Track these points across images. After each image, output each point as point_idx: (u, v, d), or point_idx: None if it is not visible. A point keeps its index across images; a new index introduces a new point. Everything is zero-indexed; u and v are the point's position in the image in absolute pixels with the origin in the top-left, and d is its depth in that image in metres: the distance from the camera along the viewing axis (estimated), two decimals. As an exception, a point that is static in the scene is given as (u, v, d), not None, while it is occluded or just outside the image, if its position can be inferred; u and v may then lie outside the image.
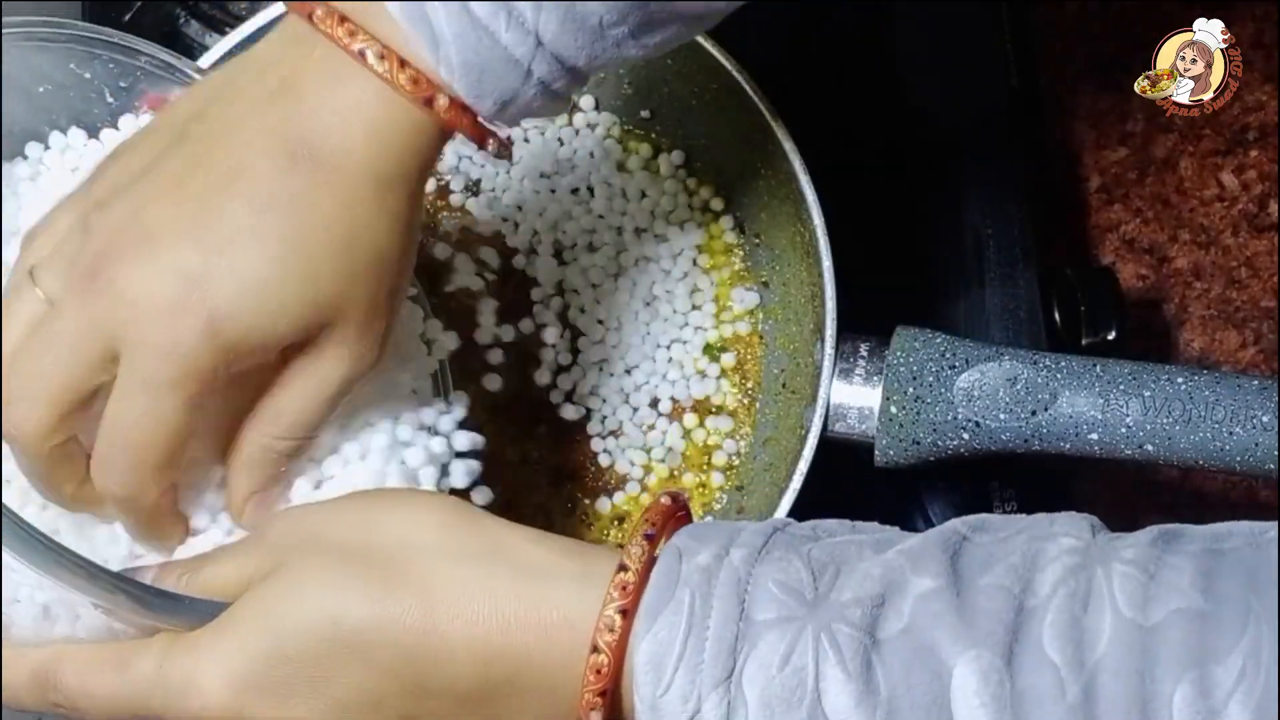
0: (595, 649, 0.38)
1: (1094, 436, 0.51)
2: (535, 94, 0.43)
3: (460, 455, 0.47)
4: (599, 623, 0.38)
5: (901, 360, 0.53)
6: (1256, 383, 0.50)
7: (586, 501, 0.59)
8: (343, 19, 0.41)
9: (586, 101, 0.64)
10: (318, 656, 0.39)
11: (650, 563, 0.39)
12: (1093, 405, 0.51)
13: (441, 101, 0.42)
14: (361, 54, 0.41)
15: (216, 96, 0.43)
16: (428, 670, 0.39)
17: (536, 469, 0.59)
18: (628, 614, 0.38)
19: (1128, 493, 0.78)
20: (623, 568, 0.39)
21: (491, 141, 0.44)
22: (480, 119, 0.43)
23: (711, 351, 0.61)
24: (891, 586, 0.36)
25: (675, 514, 0.41)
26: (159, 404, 0.40)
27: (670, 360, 0.61)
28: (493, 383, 0.58)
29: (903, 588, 0.36)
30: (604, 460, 0.60)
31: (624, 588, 0.38)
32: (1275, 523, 0.36)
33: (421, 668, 0.39)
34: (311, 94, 0.41)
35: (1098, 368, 0.51)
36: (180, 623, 0.40)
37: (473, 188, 0.63)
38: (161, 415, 0.40)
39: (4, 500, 0.38)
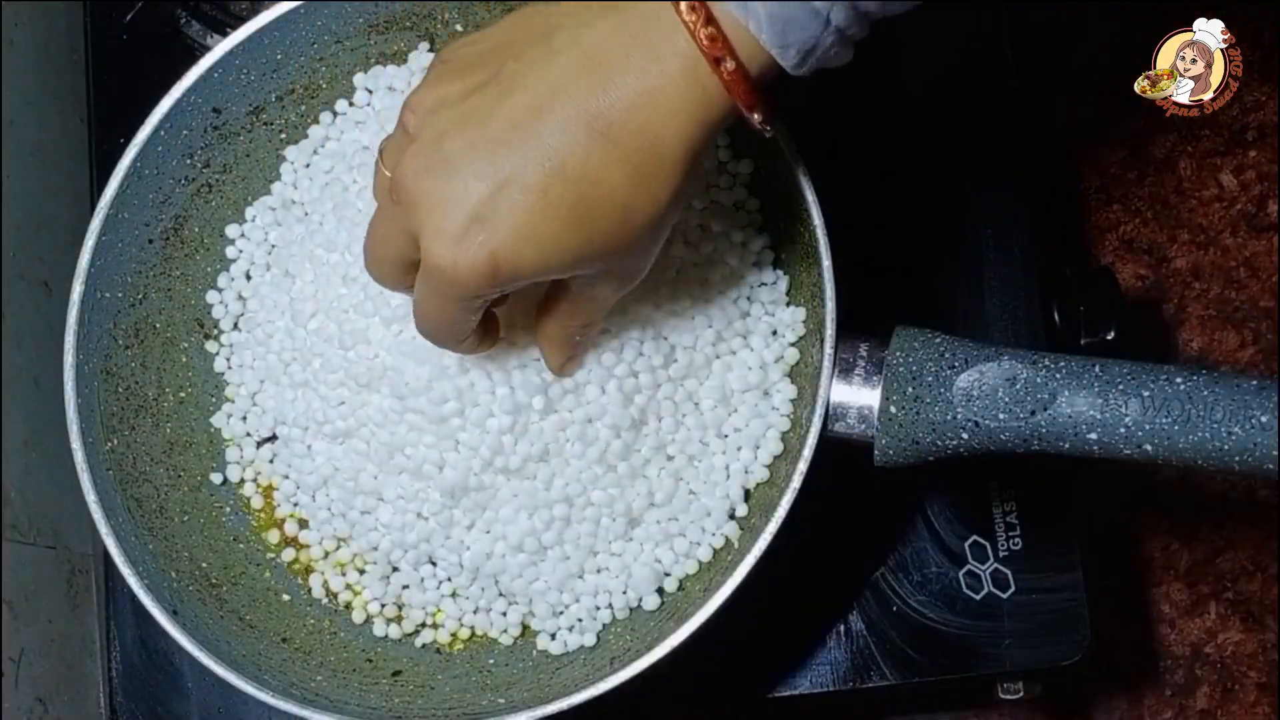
0: None
1: (1093, 436, 0.51)
2: (833, 41, 0.46)
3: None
4: None
5: (901, 360, 0.53)
6: (1255, 383, 0.50)
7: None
8: None
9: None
10: None
11: None
12: (1092, 405, 0.51)
13: (728, 65, 0.45)
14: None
15: (537, 40, 0.47)
16: None
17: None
18: None
19: (1127, 493, 0.78)
20: None
21: (759, 112, 0.47)
22: (752, 89, 0.46)
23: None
24: None
25: None
26: (440, 305, 0.49)
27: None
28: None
29: None
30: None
31: None
32: None
33: None
34: (619, 72, 0.45)
35: (1097, 368, 0.51)
36: None
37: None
38: (442, 313, 0.49)
39: None
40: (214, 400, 0.63)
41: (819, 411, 0.54)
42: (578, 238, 0.46)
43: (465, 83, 0.48)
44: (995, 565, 0.64)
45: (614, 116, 0.45)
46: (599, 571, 0.59)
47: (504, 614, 0.61)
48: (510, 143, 0.46)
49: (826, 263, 0.55)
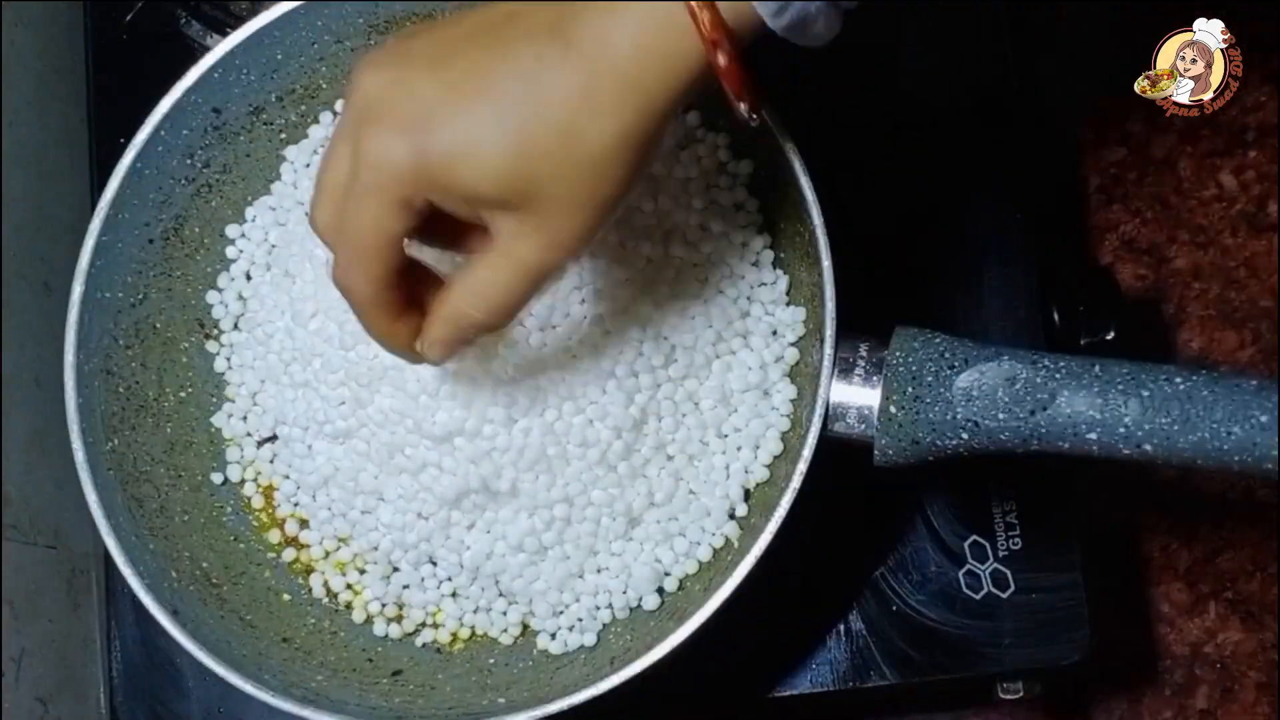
0: None
1: (1092, 436, 0.51)
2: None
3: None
4: None
5: (901, 360, 0.53)
6: (1255, 383, 0.50)
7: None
8: None
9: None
10: None
11: None
12: (1091, 405, 0.51)
13: (705, 16, 0.43)
14: None
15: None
16: None
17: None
18: None
19: (1127, 493, 0.78)
20: None
21: (745, 98, 0.45)
22: (725, 35, 0.44)
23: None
24: None
25: None
26: (367, 206, 0.46)
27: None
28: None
29: None
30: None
31: None
32: None
33: None
34: None
35: (1096, 368, 0.51)
36: None
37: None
38: (368, 214, 0.46)
39: None
40: (214, 400, 0.63)
41: (819, 411, 0.54)
42: (514, 148, 0.44)
43: (429, 28, 0.47)
44: (995, 565, 0.64)
45: (575, 19, 0.44)
46: (599, 571, 0.59)
47: (504, 614, 0.61)
48: (473, 39, 0.45)
49: (826, 263, 0.55)
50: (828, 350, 0.54)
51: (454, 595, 0.61)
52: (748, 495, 0.59)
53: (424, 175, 0.45)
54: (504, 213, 0.46)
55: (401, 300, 0.49)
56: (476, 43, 0.45)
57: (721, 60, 0.44)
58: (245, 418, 0.63)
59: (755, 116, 0.47)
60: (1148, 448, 0.50)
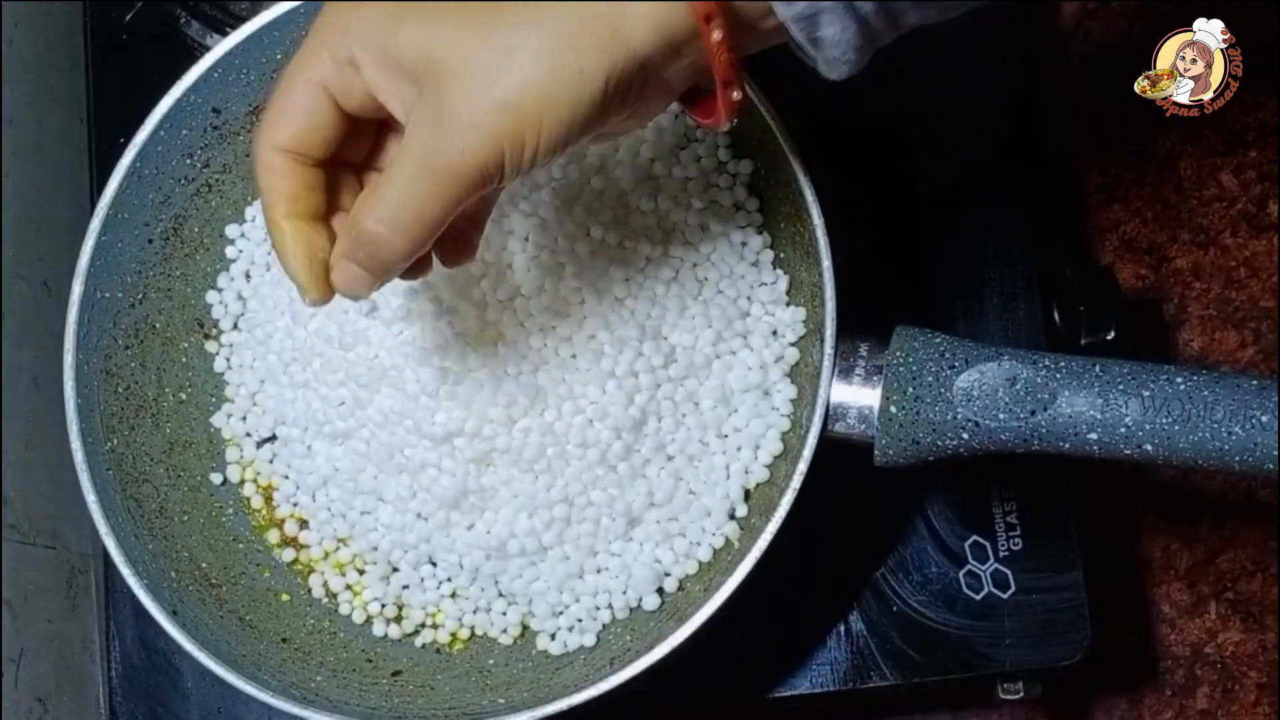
0: None
1: (1093, 436, 0.51)
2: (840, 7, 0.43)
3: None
4: None
5: (901, 360, 0.53)
6: (1255, 382, 0.50)
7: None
8: None
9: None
10: None
11: None
12: (1092, 405, 0.51)
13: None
14: None
15: None
16: None
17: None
18: None
19: (1127, 493, 0.78)
20: None
21: (734, 95, 0.45)
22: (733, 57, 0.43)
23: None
24: None
25: None
26: (300, 55, 0.45)
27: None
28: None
29: None
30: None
31: None
32: None
33: None
34: None
35: (1097, 367, 0.51)
36: None
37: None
38: (298, 59, 0.45)
39: None
40: (214, 400, 0.63)
41: (819, 411, 0.54)
42: (443, 13, 0.43)
43: None
44: (995, 565, 0.64)
45: None
46: (599, 571, 0.59)
47: (504, 614, 0.61)
48: None
49: (826, 263, 0.55)
50: (828, 350, 0.54)
51: (454, 595, 0.61)
52: (748, 495, 0.59)
53: (355, 23, 0.44)
54: (416, 93, 0.43)
55: (317, 204, 0.46)
56: None
57: (715, 35, 0.43)
58: (245, 418, 0.63)
59: (731, 108, 0.46)
60: (1149, 448, 0.50)
